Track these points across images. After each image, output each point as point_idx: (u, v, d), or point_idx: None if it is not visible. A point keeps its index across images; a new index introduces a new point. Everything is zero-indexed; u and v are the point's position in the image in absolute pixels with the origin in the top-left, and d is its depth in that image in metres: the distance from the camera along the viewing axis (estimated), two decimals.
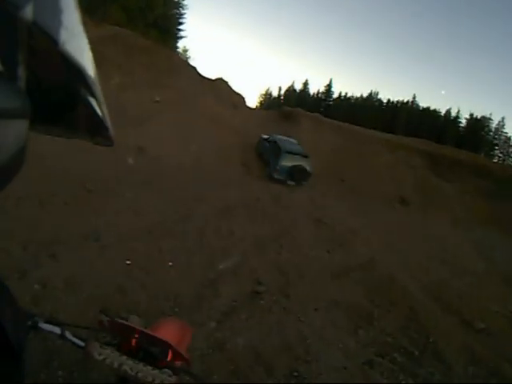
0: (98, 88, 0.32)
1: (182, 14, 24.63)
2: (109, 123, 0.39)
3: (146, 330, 0.76)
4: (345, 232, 7.12)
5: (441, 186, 14.01)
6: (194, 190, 6.45)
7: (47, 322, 0.71)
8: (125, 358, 0.70)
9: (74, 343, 0.72)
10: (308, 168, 9.67)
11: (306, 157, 9.78)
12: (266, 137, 11.46)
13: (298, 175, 9.49)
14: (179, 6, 24.29)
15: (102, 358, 0.69)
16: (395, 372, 3.49)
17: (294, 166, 9.42)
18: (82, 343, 0.72)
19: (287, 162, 9.38)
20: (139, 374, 0.68)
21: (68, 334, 0.72)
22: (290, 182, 9.51)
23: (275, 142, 10.25)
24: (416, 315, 4.70)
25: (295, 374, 2.95)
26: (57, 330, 0.71)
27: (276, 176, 9.46)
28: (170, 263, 3.97)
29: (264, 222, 6.31)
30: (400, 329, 4.31)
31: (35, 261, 3.27)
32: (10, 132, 0.24)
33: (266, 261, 4.87)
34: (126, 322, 0.77)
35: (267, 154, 10.36)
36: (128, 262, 3.70)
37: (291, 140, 11.39)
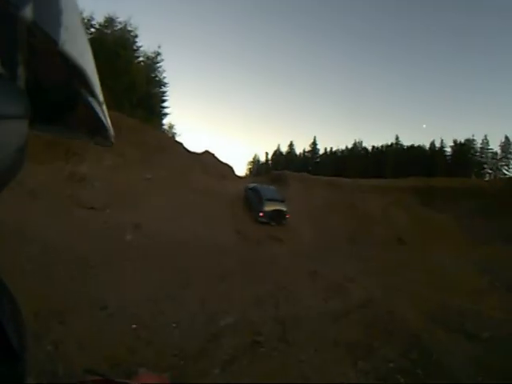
0: (97, 88, 0.33)
1: (164, 92, 26.25)
2: (109, 123, 0.39)
3: (129, 382, 0.77)
4: (341, 280, 7.26)
5: (435, 218, 14.26)
6: (190, 261, 6.83)
7: None
8: None
9: None
10: (284, 209, 11.87)
11: (282, 201, 12.09)
12: (250, 186, 13.75)
13: (277, 217, 11.70)
14: (161, 84, 25.66)
15: None
16: None
17: (274, 210, 11.68)
18: None
19: (269, 208, 11.63)
20: None
21: None
22: (272, 223, 11.62)
23: (258, 191, 12.61)
24: (417, 339, 4.85)
25: None
26: None
27: (260, 220, 11.53)
28: (174, 324, 4.34)
29: (260, 281, 6.61)
30: (401, 354, 4.45)
31: (47, 326, 3.63)
32: (10, 132, 0.24)
33: (264, 315, 5.17)
34: (108, 379, 0.75)
35: (251, 200, 12.61)
36: (134, 326, 4.08)
37: (270, 187, 13.72)
